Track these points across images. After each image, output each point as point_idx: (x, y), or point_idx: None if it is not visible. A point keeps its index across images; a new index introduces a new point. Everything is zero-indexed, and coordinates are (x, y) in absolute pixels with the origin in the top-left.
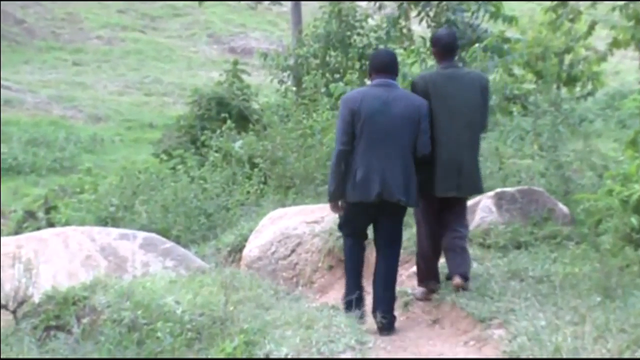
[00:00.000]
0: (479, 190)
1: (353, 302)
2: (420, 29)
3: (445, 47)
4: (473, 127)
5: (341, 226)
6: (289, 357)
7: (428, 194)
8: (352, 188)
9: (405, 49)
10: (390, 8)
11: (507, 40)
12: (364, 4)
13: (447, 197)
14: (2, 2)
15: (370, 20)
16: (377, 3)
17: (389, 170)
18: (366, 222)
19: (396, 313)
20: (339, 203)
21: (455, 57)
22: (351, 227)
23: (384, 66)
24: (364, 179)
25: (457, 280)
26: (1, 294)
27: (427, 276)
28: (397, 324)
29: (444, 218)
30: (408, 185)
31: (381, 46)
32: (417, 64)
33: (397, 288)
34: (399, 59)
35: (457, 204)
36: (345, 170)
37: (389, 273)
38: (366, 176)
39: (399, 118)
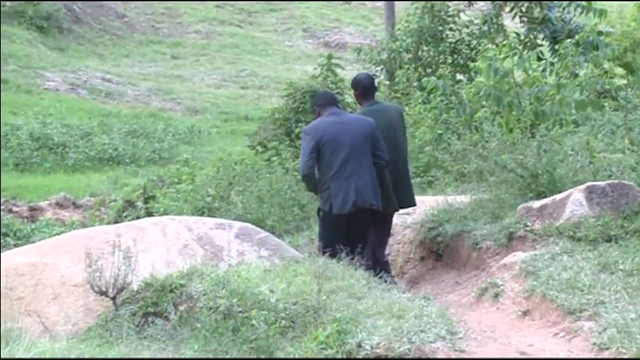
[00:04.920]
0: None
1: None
2: (512, 24)
3: (366, 89)
4: (402, 147)
5: (325, 246)
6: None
7: None
8: (332, 202)
9: (497, 44)
10: (482, 3)
11: (600, 33)
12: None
13: None
14: None
15: (462, 16)
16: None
17: (359, 180)
18: (343, 233)
19: (486, 304)
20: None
21: (374, 95)
22: (333, 241)
23: (329, 100)
24: (338, 192)
25: None
26: (101, 281)
27: None
28: (487, 316)
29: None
30: (376, 191)
31: (474, 42)
32: (510, 59)
33: (487, 279)
34: (491, 54)
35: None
36: (320, 188)
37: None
38: (340, 189)
39: (358, 135)
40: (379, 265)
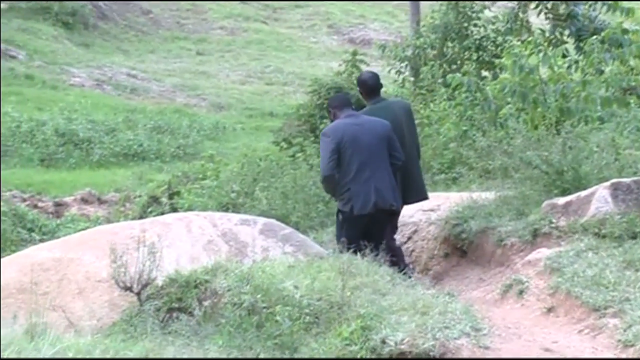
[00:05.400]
0: None
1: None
2: (538, 21)
3: (371, 88)
4: (408, 142)
5: (339, 240)
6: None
7: None
8: (353, 203)
9: (522, 41)
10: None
11: (625, 31)
12: None
13: None
14: None
15: (487, 12)
16: None
17: (379, 181)
18: (362, 232)
19: (510, 301)
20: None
21: (379, 93)
22: (353, 238)
23: (345, 102)
24: (359, 193)
25: None
26: (126, 276)
27: None
28: (512, 312)
29: None
30: (395, 192)
31: (499, 38)
32: (535, 56)
33: (512, 276)
34: (516, 50)
35: None
36: (340, 190)
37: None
38: (361, 191)
39: (375, 136)
40: (393, 253)
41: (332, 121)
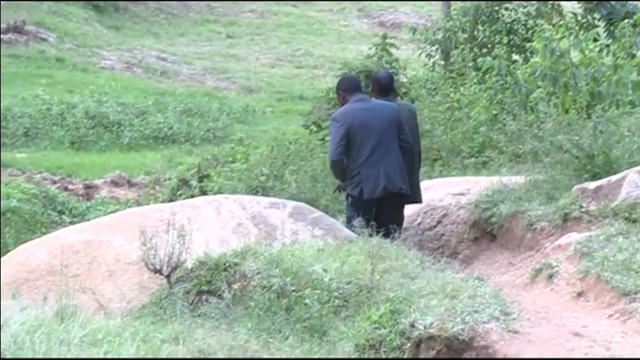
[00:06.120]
0: None
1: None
2: (569, 4)
3: (385, 87)
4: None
5: (350, 224)
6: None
7: None
8: (362, 187)
9: (553, 24)
10: None
11: None
12: None
13: None
14: None
15: None
16: None
17: (388, 165)
18: (372, 217)
19: (540, 285)
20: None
21: (391, 93)
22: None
23: (355, 86)
24: (369, 177)
25: None
26: (156, 259)
27: None
28: (541, 297)
29: None
30: (404, 175)
31: (530, 21)
32: (566, 39)
33: (542, 260)
34: (547, 34)
35: None
36: (349, 174)
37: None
38: (370, 174)
39: (385, 121)
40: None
41: (341, 104)
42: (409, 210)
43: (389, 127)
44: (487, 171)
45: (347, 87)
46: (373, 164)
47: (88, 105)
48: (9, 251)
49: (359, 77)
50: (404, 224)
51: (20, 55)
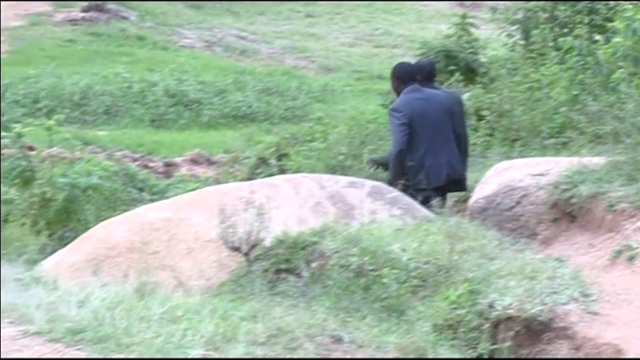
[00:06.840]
0: None
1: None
2: None
3: (428, 74)
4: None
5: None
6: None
7: None
8: (424, 176)
9: (636, 4)
10: None
11: None
12: None
13: None
14: None
15: None
16: None
17: (449, 153)
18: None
19: (620, 267)
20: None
21: (434, 80)
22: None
23: (410, 75)
24: (432, 166)
25: None
26: (235, 237)
27: None
28: (621, 279)
29: None
30: (464, 162)
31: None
32: None
33: (622, 242)
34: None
35: None
36: (409, 164)
37: None
38: (434, 164)
39: (441, 109)
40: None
41: (394, 89)
42: (487, 191)
43: (445, 116)
44: (567, 152)
45: (403, 75)
46: (435, 153)
47: (168, 83)
48: (89, 228)
49: (437, 59)
50: (484, 204)
51: (101, 34)
